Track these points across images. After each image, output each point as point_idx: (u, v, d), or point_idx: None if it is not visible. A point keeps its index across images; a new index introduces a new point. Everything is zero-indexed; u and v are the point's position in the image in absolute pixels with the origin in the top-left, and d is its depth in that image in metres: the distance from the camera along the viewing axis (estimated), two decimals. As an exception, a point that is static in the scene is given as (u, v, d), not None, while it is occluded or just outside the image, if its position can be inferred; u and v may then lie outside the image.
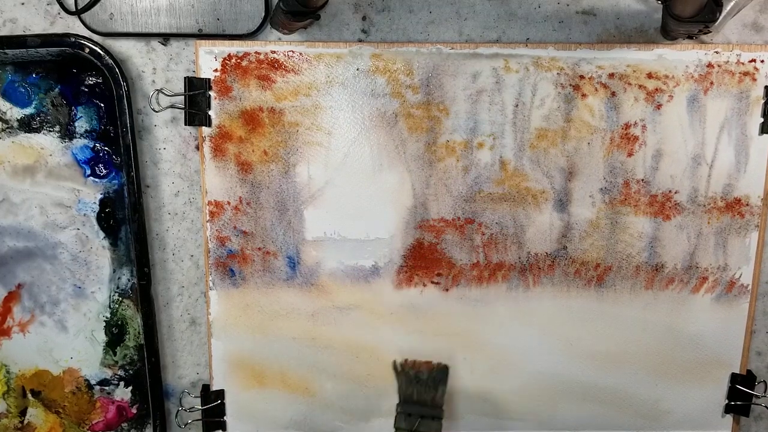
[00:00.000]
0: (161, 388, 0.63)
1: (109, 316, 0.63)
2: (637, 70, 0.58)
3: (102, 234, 0.62)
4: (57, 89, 0.59)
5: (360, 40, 0.58)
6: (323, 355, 0.63)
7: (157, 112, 0.58)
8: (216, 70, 0.57)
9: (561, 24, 0.58)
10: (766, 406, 0.65)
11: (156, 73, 0.58)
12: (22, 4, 0.57)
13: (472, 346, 0.63)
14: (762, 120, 0.59)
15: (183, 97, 0.57)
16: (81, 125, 0.60)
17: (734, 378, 0.64)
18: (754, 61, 0.58)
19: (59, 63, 0.58)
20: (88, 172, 0.60)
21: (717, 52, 0.58)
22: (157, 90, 0.57)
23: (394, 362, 0.62)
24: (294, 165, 0.59)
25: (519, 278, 0.62)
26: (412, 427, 0.58)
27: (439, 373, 0.61)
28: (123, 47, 0.58)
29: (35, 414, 0.65)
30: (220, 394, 0.64)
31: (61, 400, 0.65)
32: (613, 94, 0.58)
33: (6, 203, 0.61)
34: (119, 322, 0.63)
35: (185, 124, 0.58)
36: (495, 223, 0.61)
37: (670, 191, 0.60)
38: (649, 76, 0.58)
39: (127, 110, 0.56)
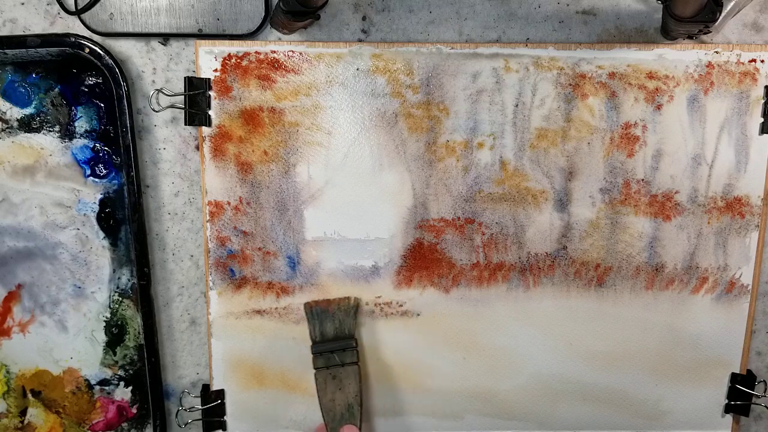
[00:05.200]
0: (161, 388, 0.63)
1: (109, 316, 0.63)
2: (637, 70, 0.58)
3: (102, 234, 0.62)
4: (57, 89, 0.59)
5: (360, 40, 0.58)
6: (323, 355, 0.63)
7: (157, 112, 0.58)
8: (216, 70, 0.57)
9: (561, 24, 0.58)
10: (766, 406, 0.65)
11: (156, 73, 0.58)
12: (22, 4, 0.57)
13: (472, 346, 0.63)
14: (762, 120, 0.59)
15: (183, 97, 0.57)
16: (81, 125, 0.60)
17: (734, 378, 0.64)
18: (754, 61, 0.58)
19: (59, 63, 0.58)
20: (88, 172, 0.60)
21: (717, 52, 0.58)
22: (157, 90, 0.57)
23: (305, 305, 0.61)
24: (294, 165, 0.59)
25: (519, 278, 0.62)
26: (329, 363, 0.59)
27: (346, 305, 0.61)
28: (123, 47, 0.58)
29: (35, 414, 0.65)
30: (220, 394, 0.64)
31: (61, 400, 0.65)
32: (613, 94, 0.58)
33: (6, 203, 0.61)
34: (119, 322, 0.63)
35: (185, 124, 0.58)
36: (495, 223, 0.61)
37: (670, 191, 0.60)
38: (649, 76, 0.58)
39: (127, 110, 0.56)
